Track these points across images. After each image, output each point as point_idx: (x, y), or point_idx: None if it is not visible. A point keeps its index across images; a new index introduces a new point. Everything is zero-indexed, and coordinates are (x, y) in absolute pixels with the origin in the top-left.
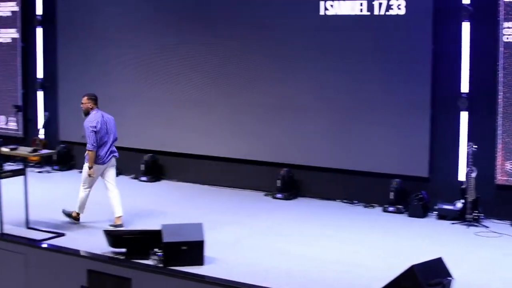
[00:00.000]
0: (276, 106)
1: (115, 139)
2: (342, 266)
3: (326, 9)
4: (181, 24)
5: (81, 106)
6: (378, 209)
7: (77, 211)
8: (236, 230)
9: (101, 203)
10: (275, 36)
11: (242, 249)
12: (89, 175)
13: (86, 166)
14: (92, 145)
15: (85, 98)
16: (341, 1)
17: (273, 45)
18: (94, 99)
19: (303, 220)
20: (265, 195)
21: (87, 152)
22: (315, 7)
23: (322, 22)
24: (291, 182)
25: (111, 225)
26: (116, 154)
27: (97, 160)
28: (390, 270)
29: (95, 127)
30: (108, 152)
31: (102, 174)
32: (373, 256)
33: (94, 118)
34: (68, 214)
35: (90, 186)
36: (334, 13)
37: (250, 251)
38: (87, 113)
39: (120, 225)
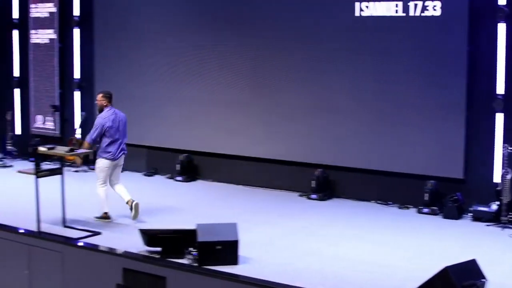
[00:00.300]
0: (311, 107)
1: (124, 136)
2: (375, 267)
3: (361, 10)
4: (216, 24)
5: (96, 103)
6: (412, 210)
7: (104, 211)
8: (270, 230)
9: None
10: (310, 36)
11: (276, 249)
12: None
13: (98, 161)
14: (92, 139)
15: (100, 95)
16: (376, 2)
17: (308, 45)
18: (109, 97)
19: (337, 221)
20: (300, 195)
21: (86, 144)
22: (351, 8)
23: (357, 23)
24: (326, 183)
25: (140, 226)
26: (126, 151)
27: (109, 155)
28: (423, 271)
29: (103, 125)
30: (120, 149)
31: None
32: (406, 257)
33: (106, 115)
34: (100, 218)
35: (105, 182)
36: (370, 14)
37: (283, 251)
38: (101, 110)
39: (132, 202)
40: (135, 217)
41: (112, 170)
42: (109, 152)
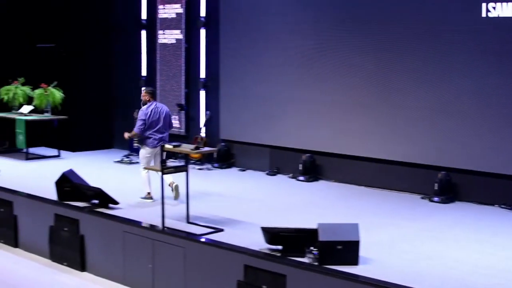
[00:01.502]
0: (434, 109)
1: (165, 128)
2: (496, 271)
3: (488, 11)
4: (338, 25)
5: (141, 98)
6: None
7: (147, 191)
8: (391, 231)
9: (259, 200)
10: (434, 37)
11: (397, 251)
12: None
13: (141, 150)
14: (140, 129)
15: (144, 91)
16: (503, 3)
17: (431, 47)
18: (151, 93)
19: (459, 224)
20: (422, 198)
21: (134, 134)
22: (477, 9)
23: (483, 24)
24: (449, 186)
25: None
26: (165, 141)
27: (148, 143)
28: None
29: (144, 117)
30: (159, 139)
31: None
32: None
33: (146, 108)
34: (144, 198)
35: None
36: (496, 15)
37: (404, 253)
38: (144, 104)
39: (173, 183)
40: (176, 197)
41: (153, 158)
42: (148, 138)
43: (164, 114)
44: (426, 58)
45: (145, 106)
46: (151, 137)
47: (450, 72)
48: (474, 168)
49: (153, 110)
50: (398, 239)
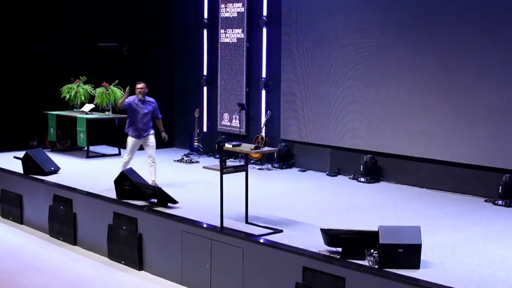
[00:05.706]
0: (499, 109)
1: None
2: None
3: None
4: (401, 25)
5: (141, 90)
6: None
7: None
8: (453, 235)
9: (319, 201)
10: (498, 36)
11: (459, 255)
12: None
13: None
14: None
15: (142, 84)
16: None
17: (496, 45)
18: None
19: None
20: (485, 201)
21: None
22: None
23: None
24: None
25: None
26: None
27: None
28: None
29: None
30: None
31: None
32: None
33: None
34: None
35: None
36: None
37: (467, 258)
38: (143, 96)
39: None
40: None
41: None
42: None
43: None
44: (491, 57)
45: (152, 99)
46: None
47: None
48: None
49: None
50: (461, 243)
